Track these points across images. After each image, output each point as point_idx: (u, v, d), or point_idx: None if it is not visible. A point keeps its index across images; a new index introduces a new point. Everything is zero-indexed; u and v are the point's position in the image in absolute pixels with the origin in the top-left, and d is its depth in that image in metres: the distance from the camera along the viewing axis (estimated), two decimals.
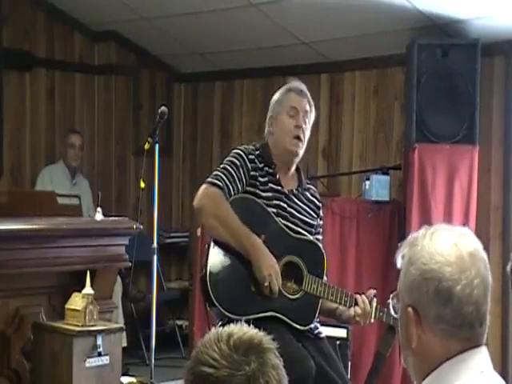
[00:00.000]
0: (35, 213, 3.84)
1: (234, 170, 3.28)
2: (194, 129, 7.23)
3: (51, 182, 5.99)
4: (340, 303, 3.26)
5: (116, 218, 4.13)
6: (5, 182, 6.25)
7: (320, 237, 3.46)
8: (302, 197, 3.41)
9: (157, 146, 4.25)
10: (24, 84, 6.38)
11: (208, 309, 3.28)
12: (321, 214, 3.49)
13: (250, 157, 3.32)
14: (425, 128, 5.04)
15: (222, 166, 3.31)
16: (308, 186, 3.49)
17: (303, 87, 3.43)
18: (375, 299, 3.26)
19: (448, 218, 4.91)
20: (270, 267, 3.17)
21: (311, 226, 3.40)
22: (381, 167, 5.56)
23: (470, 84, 5.00)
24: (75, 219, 4.02)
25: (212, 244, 3.25)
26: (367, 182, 5.37)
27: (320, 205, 3.49)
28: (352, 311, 3.24)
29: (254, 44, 6.19)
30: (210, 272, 3.19)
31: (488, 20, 5.02)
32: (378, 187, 5.32)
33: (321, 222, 3.49)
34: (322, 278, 3.31)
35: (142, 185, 4.23)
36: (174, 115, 7.06)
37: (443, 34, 5.22)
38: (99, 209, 3.88)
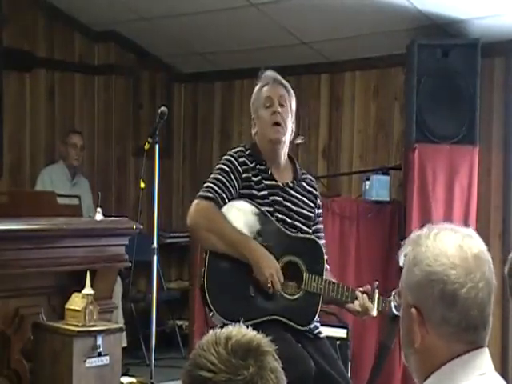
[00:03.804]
0: (35, 213, 3.84)
1: (224, 176, 3.27)
2: (193, 129, 7.22)
3: (51, 182, 5.98)
4: (341, 299, 3.26)
5: (116, 218, 4.13)
6: (5, 182, 6.24)
7: (320, 226, 3.46)
8: (298, 188, 3.41)
9: (157, 146, 4.25)
10: (24, 84, 6.38)
11: (210, 316, 3.29)
12: (318, 202, 3.47)
13: (241, 159, 3.31)
14: (425, 128, 5.03)
15: (212, 175, 3.31)
16: (304, 176, 3.47)
17: (275, 75, 3.50)
18: (377, 291, 3.25)
19: (448, 218, 4.90)
20: (270, 267, 3.19)
21: (309, 218, 3.39)
22: (381, 167, 5.55)
23: (470, 84, 4.99)
24: (75, 219, 4.02)
25: (209, 252, 3.27)
26: (367, 182, 5.36)
27: (317, 193, 3.48)
28: (353, 305, 3.25)
29: (254, 44, 6.18)
30: (207, 281, 3.21)
31: (488, 20, 5.02)
32: (378, 187, 5.32)
33: (319, 211, 3.48)
34: (323, 274, 3.30)
35: (142, 185, 4.23)
36: (174, 115, 7.05)
37: (443, 33, 5.21)
38: (99, 209, 3.88)
